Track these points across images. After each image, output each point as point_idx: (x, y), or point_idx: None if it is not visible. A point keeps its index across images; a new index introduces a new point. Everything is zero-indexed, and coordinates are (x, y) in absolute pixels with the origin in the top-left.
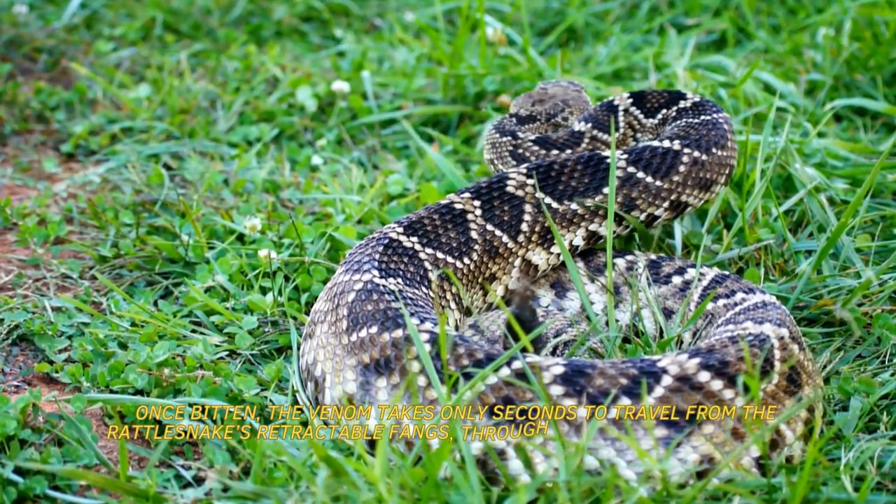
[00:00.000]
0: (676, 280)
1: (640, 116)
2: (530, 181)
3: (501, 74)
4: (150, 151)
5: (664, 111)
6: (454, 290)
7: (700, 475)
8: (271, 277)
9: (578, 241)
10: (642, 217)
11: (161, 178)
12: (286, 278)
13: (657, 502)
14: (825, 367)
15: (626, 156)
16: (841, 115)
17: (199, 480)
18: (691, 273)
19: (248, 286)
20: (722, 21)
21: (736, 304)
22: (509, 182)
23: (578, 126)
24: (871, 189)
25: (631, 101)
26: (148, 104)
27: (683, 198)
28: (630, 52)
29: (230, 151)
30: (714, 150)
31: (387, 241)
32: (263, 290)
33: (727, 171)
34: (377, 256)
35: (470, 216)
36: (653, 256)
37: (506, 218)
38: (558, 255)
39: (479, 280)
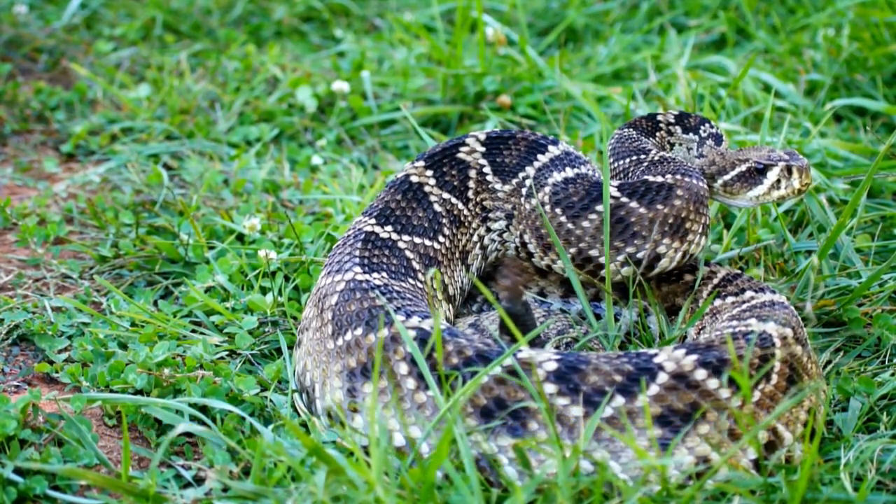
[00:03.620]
0: (687, 277)
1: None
2: (481, 148)
3: (501, 74)
4: (149, 151)
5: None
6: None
7: (696, 477)
8: (271, 277)
9: (500, 225)
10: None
11: (160, 178)
12: (286, 278)
13: (657, 502)
14: (825, 366)
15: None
16: (841, 115)
17: (199, 480)
18: (703, 270)
19: (248, 286)
20: (721, 22)
21: (744, 302)
22: (462, 148)
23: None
24: (868, 189)
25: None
26: (148, 104)
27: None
28: (630, 52)
29: (230, 151)
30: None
31: (363, 235)
32: (263, 290)
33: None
34: (357, 253)
35: (427, 188)
36: None
37: (455, 184)
38: (497, 233)
39: (457, 256)
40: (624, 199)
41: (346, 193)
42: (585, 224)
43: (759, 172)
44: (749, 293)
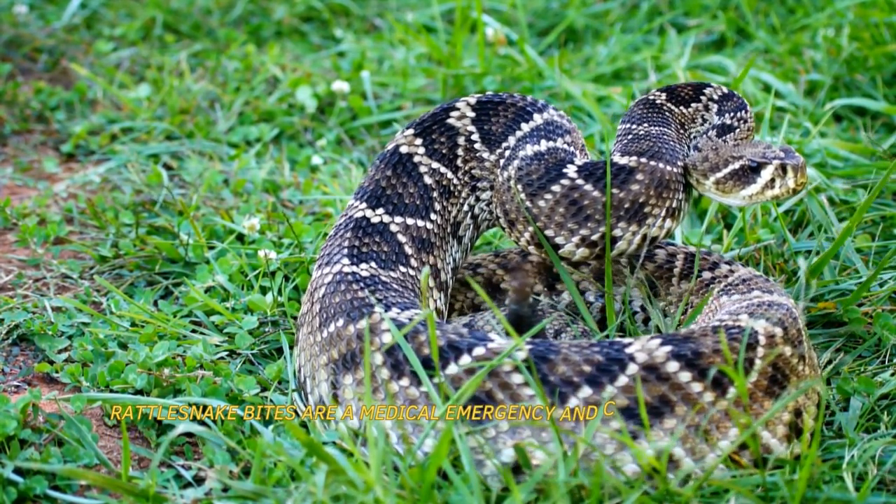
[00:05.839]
0: (705, 275)
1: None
2: (471, 113)
3: (501, 74)
4: (149, 151)
5: None
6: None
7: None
8: (271, 277)
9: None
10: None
11: (160, 178)
12: (286, 278)
13: (657, 501)
14: (825, 366)
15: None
16: (841, 115)
17: (199, 480)
18: (722, 269)
19: (248, 286)
20: (721, 22)
21: (745, 301)
22: (453, 113)
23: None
24: (873, 192)
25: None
26: (148, 104)
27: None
28: (630, 52)
29: (230, 151)
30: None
31: (353, 223)
32: (263, 290)
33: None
34: (346, 243)
35: (416, 158)
36: (691, 249)
37: (444, 151)
38: (486, 204)
39: (449, 231)
40: (579, 182)
41: (346, 193)
42: (541, 203)
43: (752, 171)
44: (755, 293)
